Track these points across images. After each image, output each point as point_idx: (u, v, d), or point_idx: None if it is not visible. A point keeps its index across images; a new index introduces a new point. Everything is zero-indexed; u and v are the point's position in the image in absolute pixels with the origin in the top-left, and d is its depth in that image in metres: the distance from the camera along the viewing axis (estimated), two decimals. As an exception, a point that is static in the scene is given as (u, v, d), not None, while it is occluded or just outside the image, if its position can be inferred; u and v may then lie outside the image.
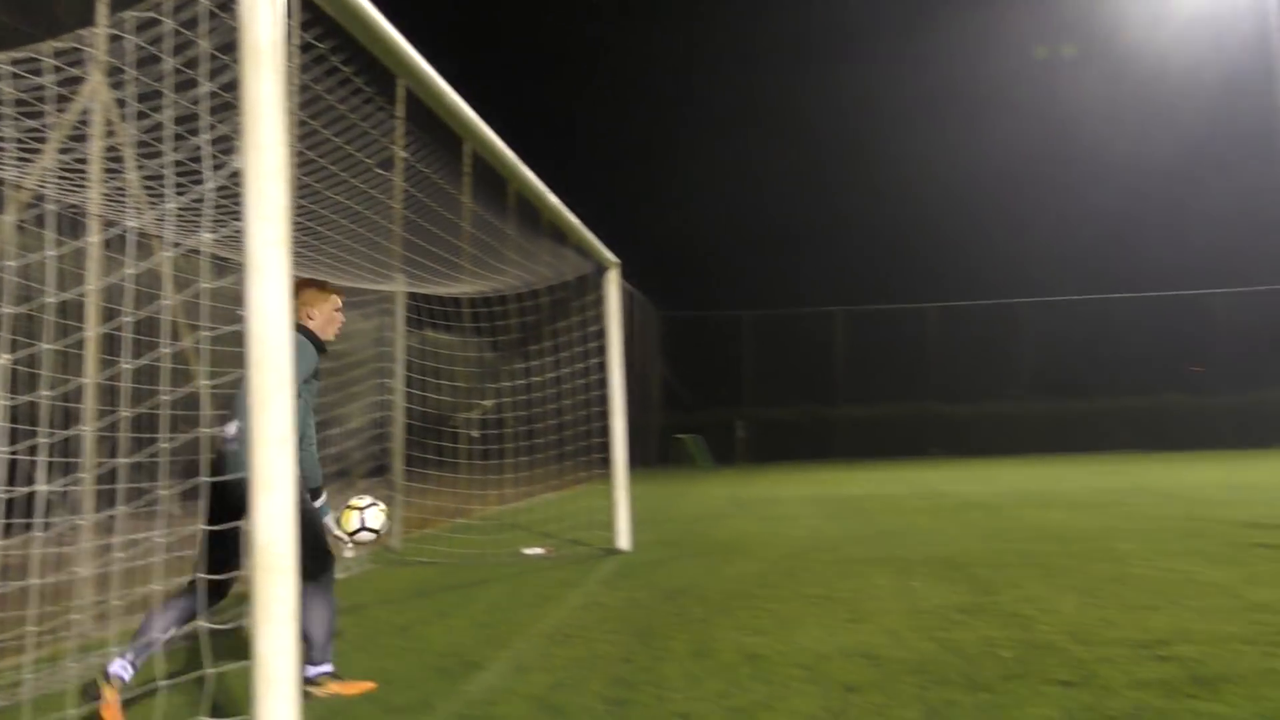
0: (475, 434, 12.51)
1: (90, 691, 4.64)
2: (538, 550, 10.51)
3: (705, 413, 37.04)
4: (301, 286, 5.45)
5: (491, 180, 7.65)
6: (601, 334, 10.63)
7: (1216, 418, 35.36)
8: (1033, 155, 44.71)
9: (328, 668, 5.24)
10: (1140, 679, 4.63)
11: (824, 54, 47.06)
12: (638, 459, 32.52)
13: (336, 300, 5.63)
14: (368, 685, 5.25)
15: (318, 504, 5.50)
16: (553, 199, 7.91)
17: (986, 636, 5.65)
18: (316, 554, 5.08)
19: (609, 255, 10.15)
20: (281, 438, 3.29)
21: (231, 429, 5.00)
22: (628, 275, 25.60)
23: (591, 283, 11.04)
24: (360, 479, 10.98)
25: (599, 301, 10.69)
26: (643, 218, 41.25)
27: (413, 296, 11.43)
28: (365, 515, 5.76)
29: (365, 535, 5.81)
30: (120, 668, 4.69)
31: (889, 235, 45.12)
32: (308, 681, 5.01)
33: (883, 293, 39.08)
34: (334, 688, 5.17)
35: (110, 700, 4.61)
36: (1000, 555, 8.91)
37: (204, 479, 4.35)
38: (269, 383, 3.29)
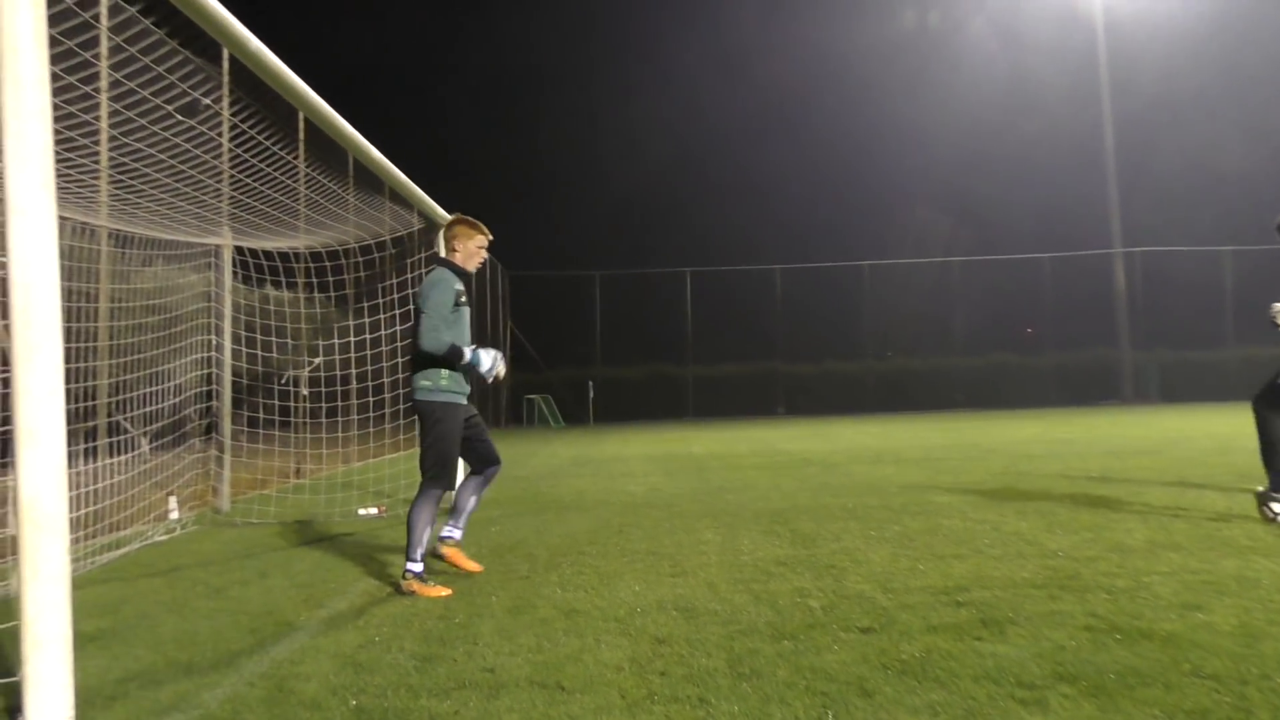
0: (304, 392, 12.20)
1: (435, 551, 6.56)
2: (372, 510, 10.34)
3: (557, 373, 37.02)
4: (454, 223, 6.63)
5: (325, 140, 7.44)
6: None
7: (1043, 377, 37.09)
8: (877, 127, 45.91)
9: (415, 567, 6.18)
10: (934, 624, 4.82)
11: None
12: (488, 419, 32.40)
13: (482, 239, 6.61)
14: (444, 591, 6.09)
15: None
16: (377, 155, 7.73)
17: (799, 588, 5.80)
18: (436, 467, 6.31)
19: (442, 213, 9.97)
20: (50, 391, 3.13)
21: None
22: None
23: (431, 240, 10.84)
24: (194, 437, 10.62)
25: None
26: (495, 177, 40.88)
27: (241, 251, 11.04)
28: None
29: None
30: (451, 529, 6.63)
31: (737, 199, 45.76)
32: (403, 575, 6.23)
33: (731, 254, 39.62)
34: (415, 586, 6.11)
35: (451, 554, 6.64)
36: (826, 509, 9.16)
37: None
38: (34, 333, 3.11)
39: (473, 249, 6.57)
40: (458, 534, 6.67)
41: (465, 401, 6.51)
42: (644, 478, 13.29)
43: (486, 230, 6.69)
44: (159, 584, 6.90)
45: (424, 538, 6.24)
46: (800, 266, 39.09)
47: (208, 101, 6.39)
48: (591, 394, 36.54)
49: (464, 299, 6.44)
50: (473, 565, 6.73)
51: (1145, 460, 12.92)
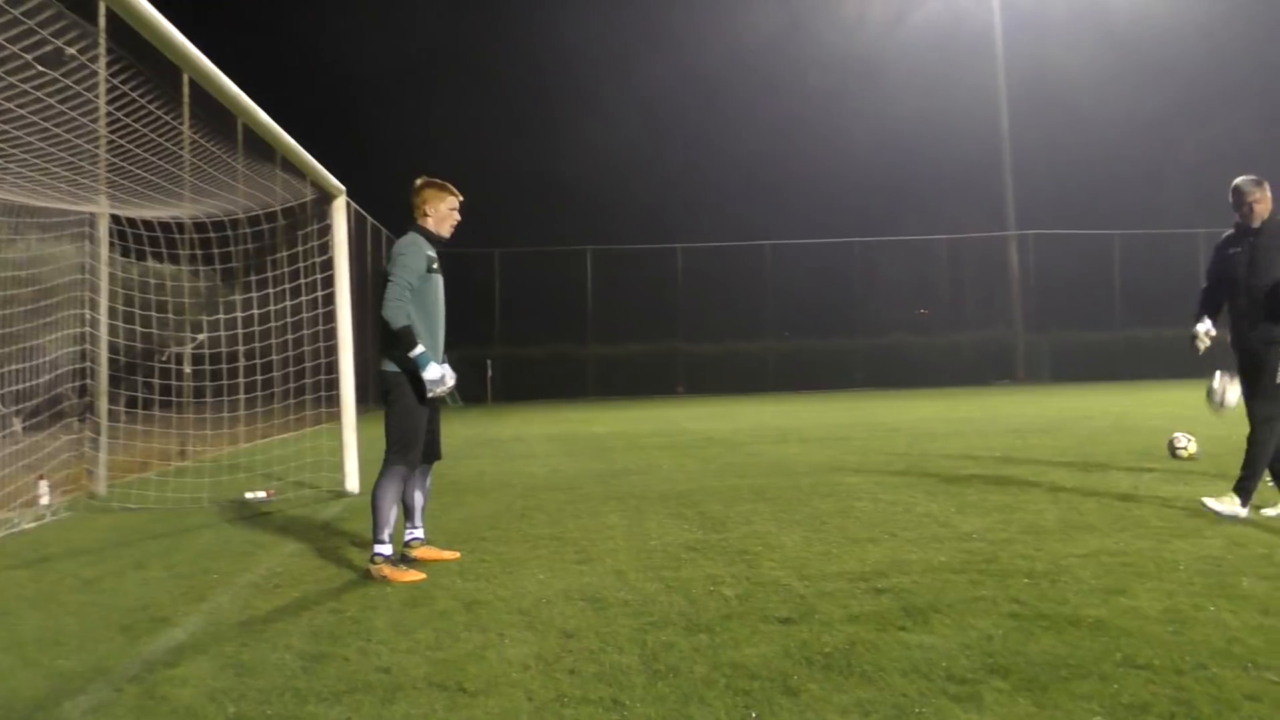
0: (188, 370, 11.59)
1: (406, 557, 6.14)
2: (260, 494, 9.84)
3: (454, 351, 36.20)
4: (422, 186, 6.20)
5: (212, 103, 6.95)
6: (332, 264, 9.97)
7: (939, 356, 37.61)
8: (779, 109, 46.07)
9: (383, 550, 5.80)
10: (855, 613, 4.62)
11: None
12: (381, 398, 31.54)
13: (453, 200, 6.22)
14: (418, 576, 5.73)
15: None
16: (266, 119, 7.26)
17: (712, 575, 5.57)
18: (400, 444, 5.96)
19: (335, 183, 9.47)
20: None
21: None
22: (372, 209, 24.55)
23: (324, 211, 10.34)
24: (70, 417, 9.99)
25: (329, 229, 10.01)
26: (396, 153, 39.89)
27: (119, 220, 10.38)
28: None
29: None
30: (412, 531, 6.28)
31: (637, 177, 45.46)
32: (370, 559, 5.85)
33: (631, 233, 39.26)
34: (385, 571, 5.73)
35: (423, 553, 6.24)
36: (733, 491, 8.97)
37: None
38: None
39: (445, 211, 6.22)
40: (420, 533, 6.35)
41: None
42: (545, 459, 12.97)
43: (456, 190, 6.28)
44: (23, 576, 6.39)
45: (390, 518, 5.86)
46: (702, 245, 38.93)
47: (72, 51, 5.85)
48: (489, 373, 35.93)
49: (436, 265, 6.15)
50: (450, 554, 6.37)
51: (1046, 439, 13.04)
